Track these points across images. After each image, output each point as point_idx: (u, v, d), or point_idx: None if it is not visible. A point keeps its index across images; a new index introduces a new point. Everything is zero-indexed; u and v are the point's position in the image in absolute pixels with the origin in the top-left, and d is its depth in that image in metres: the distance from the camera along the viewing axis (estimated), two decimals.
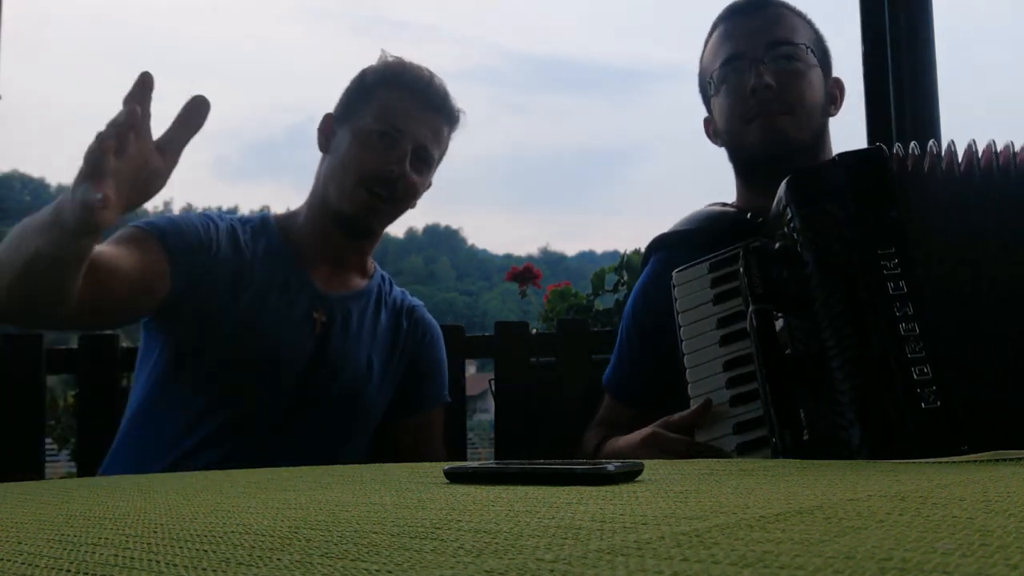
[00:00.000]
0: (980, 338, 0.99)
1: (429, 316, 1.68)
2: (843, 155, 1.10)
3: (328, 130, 1.55)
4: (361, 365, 1.50)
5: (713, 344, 1.20)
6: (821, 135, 1.41)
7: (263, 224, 1.54)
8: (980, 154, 1.06)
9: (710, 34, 1.47)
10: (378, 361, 1.53)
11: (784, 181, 1.11)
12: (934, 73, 1.80)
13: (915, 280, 0.97)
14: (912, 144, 1.08)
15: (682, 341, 1.25)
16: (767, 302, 1.07)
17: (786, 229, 1.08)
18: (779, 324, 1.06)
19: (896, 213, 1.01)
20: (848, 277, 1.01)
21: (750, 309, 1.08)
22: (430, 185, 1.60)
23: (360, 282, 1.57)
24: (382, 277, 1.63)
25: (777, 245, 1.09)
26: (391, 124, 1.47)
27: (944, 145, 1.07)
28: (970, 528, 0.32)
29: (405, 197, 1.51)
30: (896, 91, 1.80)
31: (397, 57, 1.57)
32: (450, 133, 1.56)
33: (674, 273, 1.30)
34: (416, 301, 1.67)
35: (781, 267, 1.07)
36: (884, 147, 1.08)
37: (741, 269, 1.12)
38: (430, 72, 1.53)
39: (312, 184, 1.56)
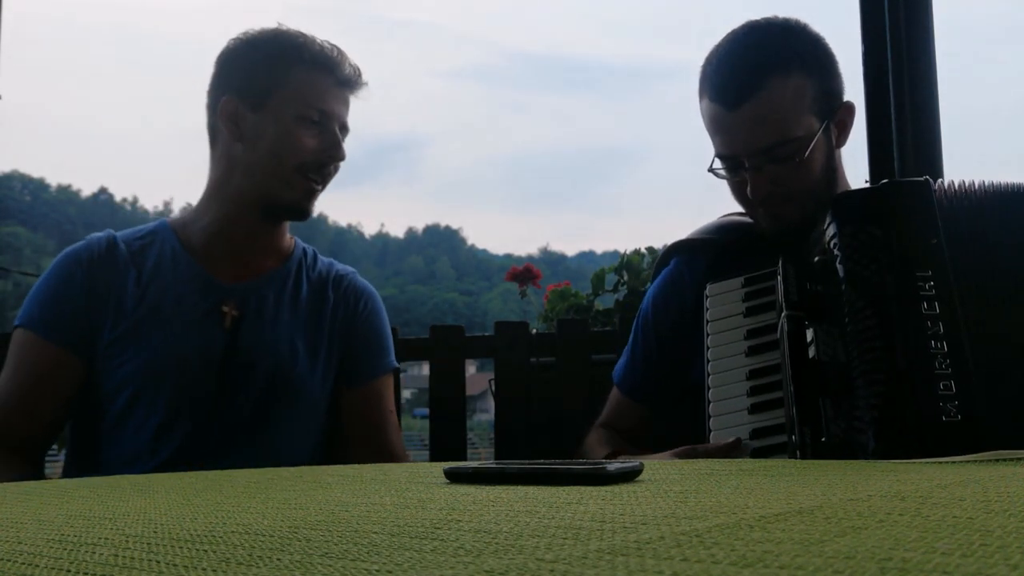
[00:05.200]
0: (1009, 361, 1.01)
1: (363, 282, 1.61)
2: (891, 183, 1.16)
3: (234, 116, 1.46)
4: (282, 350, 1.46)
5: (739, 353, 1.23)
6: (831, 178, 1.33)
7: (154, 233, 1.51)
8: (1000, 188, 1.12)
9: (700, 87, 1.34)
10: (303, 341, 1.49)
11: (831, 201, 1.16)
12: (934, 73, 1.81)
13: (949, 303, 1.00)
14: (950, 180, 1.13)
15: (708, 349, 1.27)
16: (800, 311, 1.10)
17: (828, 246, 1.11)
18: (809, 334, 1.09)
19: (936, 240, 1.05)
20: (882, 295, 1.04)
21: (782, 315, 1.11)
22: None
23: (275, 264, 1.53)
24: (304, 251, 1.58)
25: (816, 259, 1.13)
26: (318, 108, 1.46)
27: (944, 171, 1.12)
28: (970, 528, 0.32)
29: (333, 176, 1.51)
30: (896, 90, 1.80)
31: (276, 27, 1.51)
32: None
33: (708, 285, 1.32)
34: (347, 269, 1.62)
35: (817, 281, 1.11)
36: (930, 178, 1.12)
37: (779, 277, 1.15)
38: (331, 43, 1.51)
39: (215, 175, 1.50)
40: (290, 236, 1.58)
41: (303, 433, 1.48)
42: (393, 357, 1.60)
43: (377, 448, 1.52)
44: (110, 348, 1.40)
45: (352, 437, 1.53)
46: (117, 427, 1.39)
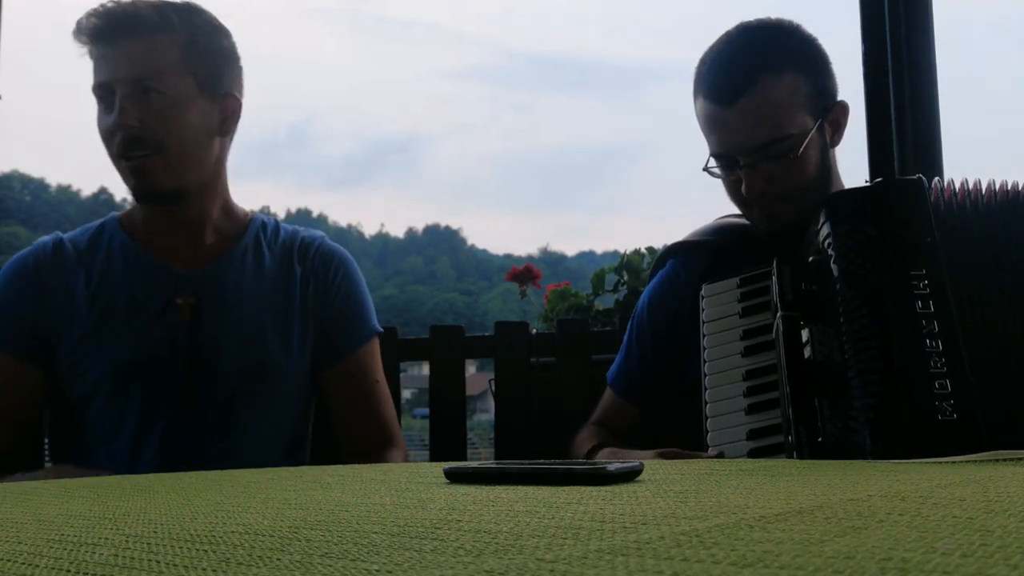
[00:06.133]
0: (1004, 360, 1.01)
1: (332, 247, 1.50)
2: (885, 181, 1.14)
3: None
4: (248, 333, 1.39)
5: (736, 354, 1.23)
6: (825, 177, 1.33)
7: (103, 228, 1.45)
8: (997, 188, 1.12)
9: (695, 87, 1.35)
10: (271, 321, 1.41)
11: (825, 200, 1.15)
12: (934, 73, 1.81)
13: (944, 301, 1.00)
14: (949, 179, 1.13)
15: (705, 349, 1.27)
16: (795, 311, 1.10)
17: (822, 245, 1.11)
18: (805, 335, 1.09)
19: (931, 239, 1.05)
20: (877, 293, 1.04)
21: (778, 315, 1.11)
22: (237, 100, 1.43)
23: (231, 243, 1.44)
24: (262, 223, 1.48)
25: (811, 259, 1.13)
26: (97, 84, 1.34)
27: (949, 174, 1.12)
28: (970, 528, 0.32)
29: (166, 140, 1.34)
30: (896, 90, 1.80)
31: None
32: (174, 39, 1.35)
33: (704, 286, 1.32)
34: (313, 235, 1.51)
35: (812, 280, 1.11)
36: (924, 177, 1.12)
37: (774, 278, 1.15)
38: (101, 6, 1.35)
39: None
40: (246, 212, 1.50)
41: (283, 417, 1.43)
42: (375, 322, 1.51)
43: (368, 423, 1.46)
44: (71, 354, 1.36)
45: (340, 414, 1.47)
46: (94, 435, 1.36)
